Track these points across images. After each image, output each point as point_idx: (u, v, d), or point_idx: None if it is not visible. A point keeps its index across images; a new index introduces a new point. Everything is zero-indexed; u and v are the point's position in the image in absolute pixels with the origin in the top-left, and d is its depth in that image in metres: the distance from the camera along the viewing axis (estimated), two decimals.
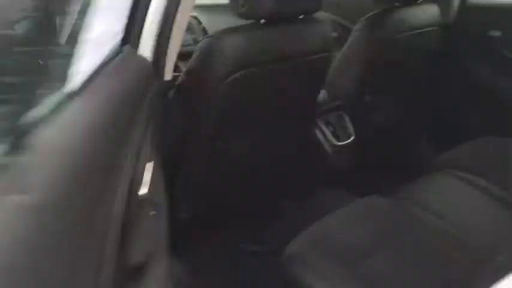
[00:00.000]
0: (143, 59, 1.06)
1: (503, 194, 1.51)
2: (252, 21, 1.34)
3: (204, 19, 1.89)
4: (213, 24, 1.94)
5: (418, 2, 1.91)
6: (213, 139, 1.41)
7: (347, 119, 1.84)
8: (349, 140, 1.82)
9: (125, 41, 1.08)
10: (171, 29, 1.17)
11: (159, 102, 1.23)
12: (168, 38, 1.18)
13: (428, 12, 1.94)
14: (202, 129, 1.37)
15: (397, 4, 1.84)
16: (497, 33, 2.03)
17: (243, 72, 1.28)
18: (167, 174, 1.36)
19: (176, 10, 1.16)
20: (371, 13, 1.83)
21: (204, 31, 1.94)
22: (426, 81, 2.13)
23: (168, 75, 1.22)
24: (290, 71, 1.41)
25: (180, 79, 1.35)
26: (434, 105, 2.25)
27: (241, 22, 1.35)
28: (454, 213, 1.42)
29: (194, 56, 1.31)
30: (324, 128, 1.77)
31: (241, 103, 1.37)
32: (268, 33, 1.33)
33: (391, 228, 1.26)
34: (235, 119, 1.40)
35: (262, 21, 1.33)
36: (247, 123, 1.46)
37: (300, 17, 1.41)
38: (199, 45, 1.31)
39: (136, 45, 1.08)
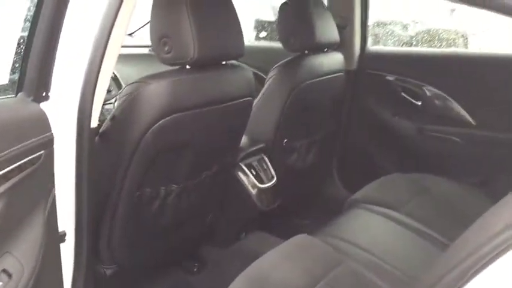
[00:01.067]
0: (36, 107, 1.04)
1: (416, 224, 1.63)
2: (177, 67, 1.36)
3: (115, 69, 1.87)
4: (127, 74, 1.92)
5: (325, 50, 2.05)
6: (138, 187, 1.37)
7: (268, 162, 1.89)
8: (271, 183, 1.86)
9: (20, 88, 1.06)
10: (97, 76, 1.15)
11: (83, 149, 1.18)
12: (94, 84, 1.16)
13: (334, 60, 2.09)
14: (128, 177, 1.33)
15: (306, 52, 1.96)
16: (392, 78, 2.24)
17: (171, 118, 1.28)
18: (93, 225, 1.30)
19: (102, 57, 1.15)
20: (283, 61, 1.93)
21: (117, 80, 1.92)
22: (336, 123, 2.27)
23: (94, 122, 1.19)
24: (217, 115, 1.43)
25: (104, 126, 1.31)
26: (344, 147, 2.40)
27: (156, 70, 1.35)
28: (375, 245, 1.50)
29: (119, 101, 1.28)
30: (247, 171, 1.80)
31: (168, 149, 1.36)
32: (194, 78, 1.35)
33: (324, 264, 1.30)
34: (162, 166, 1.38)
35: (188, 66, 1.35)
36: (174, 170, 1.44)
37: (224, 62, 1.45)
38: (125, 90, 1.29)
39: (34, 93, 1.06)
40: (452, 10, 2.99)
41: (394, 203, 1.75)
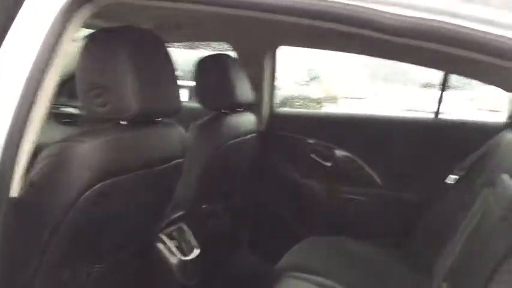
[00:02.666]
0: None
1: None
2: (109, 123, 1.16)
3: None
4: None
5: (240, 110, 1.99)
6: (59, 267, 1.11)
7: (188, 231, 1.71)
8: (194, 253, 1.67)
9: None
10: (19, 140, 0.93)
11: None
12: (16, 149, 0.92)
13: (249, 120, 2.04)
14: (47, 255, 1.06)
15: (223, 111, 1.88)
16: (302, 139, 2.25)
17: (111, 181, 1.07)
18: None
19: (25, 122, 0.93)
20: (201, 120, 1.81)
21: None
22: (252, 186, 2.19)
23: (14, 191, 0.94)
24: (153, 178, 1.24)
25: (20, 193, 1.04)
26: (259, 211, 2.31)
27: None
28: None
29: (40, 164, 1.03)
30: (167, 242, 1.60)
31: (98, 220, 1.13)
32: (134, 136, 1.16)
33: None
34: (88, 240, 1.14)
35: (124, 122, 1.15)
36: (100, 245, 1.20)
37: (159, 119, 1.28)
38: (47, 152, 1.04)
39: None
40: None
41: (321, 269, 1.70)
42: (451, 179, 1.93)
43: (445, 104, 2.19)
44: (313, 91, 5.89)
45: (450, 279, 1.46)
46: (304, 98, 5.58)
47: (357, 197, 2.17)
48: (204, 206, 1.81)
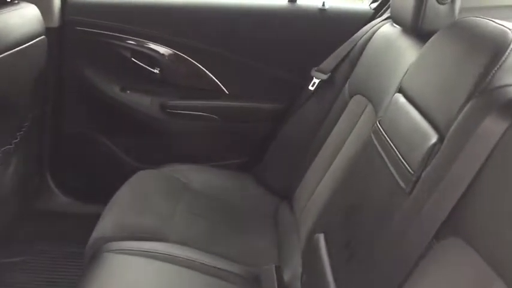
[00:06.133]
0: None
1: (188, 253, 1.19)
2: None
3: None
4: None
5: (10, 1, 1.27)
6: None
7: None
8: None
9: None
10: None
11: None
12: None
13: (29, 17, 1.34)
14: None
15: None
16: (115, 36, 1.61)
17: None
18: None
19: None
20: None
21: None
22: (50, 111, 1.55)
23: None
24: None
25: None
26: (57, 141, 1.70)
27: None
28: None
29: None
30: None
31: None
32: None
33: None
34: None
35: None
36: None
37: None
38: None
39: None
40: None
41: (154, 227, 1.26)
42: (312, 83, 1.54)
43: None
44: None
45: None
46: None
47: (198, 113, 1.68)
48: None
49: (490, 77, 0.72)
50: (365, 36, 1.45)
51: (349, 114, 1.35)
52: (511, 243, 0.57)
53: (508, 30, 0.76)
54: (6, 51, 1.22)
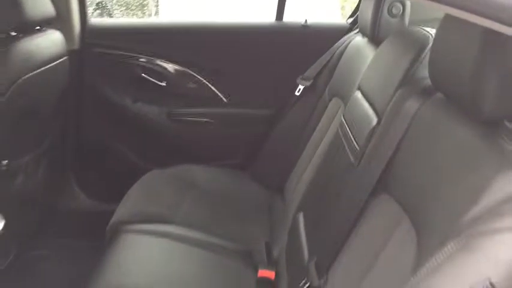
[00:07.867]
0: None
1: (194, 234, 1.41)
2: None
3: None
4: None
5: (39, 29, 1.52)
6: None
7: None
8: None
9: None
10: None
11: None
12: None
13: (54, 41, 1.58)
14: None
15: (13, 34, 1.40)
16: (128, 56, 1.86)
17: None
18: None
19: None
20: None
21: None
22: (65, 122, 1.79)
23: None
24: None
25: None
26: (80, 149, 1.93)
27: None
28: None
29: None
30: None
31: None
32: None
33: None
34: None
35: None
36: None
37: None
38: None
39: None
40: None
41: (164, 213, 1.48)
42: (297, 90, 1.77)
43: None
44: None
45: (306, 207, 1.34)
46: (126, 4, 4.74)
47: (200, 119, 1.91)
48: (5, 162, 1.40)
49: (413, 70, 0.95)
50: (341, 47, 1.69)
51: (328, 114, 1.57)
52: (416, 188, 0.79)
53: (429, 35, 0.99)
54: (35, 70, 1.46)
